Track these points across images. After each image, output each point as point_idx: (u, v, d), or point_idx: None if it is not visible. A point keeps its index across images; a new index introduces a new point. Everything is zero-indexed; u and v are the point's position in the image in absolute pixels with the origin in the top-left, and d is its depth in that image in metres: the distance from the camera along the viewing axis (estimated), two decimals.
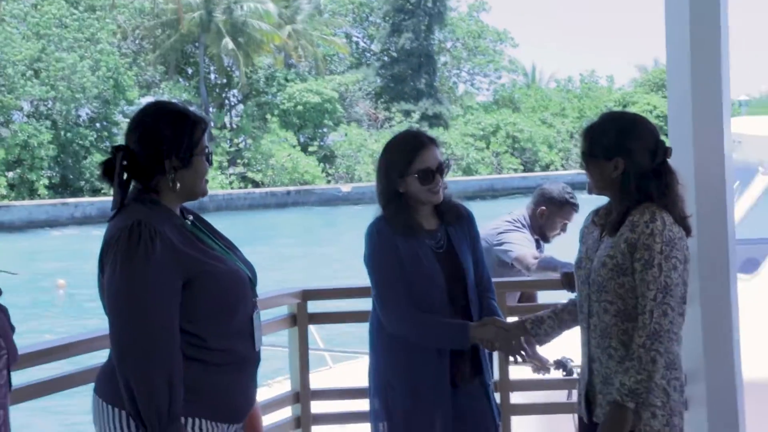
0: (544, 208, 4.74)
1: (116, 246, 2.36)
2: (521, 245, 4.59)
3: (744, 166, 7.29)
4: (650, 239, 2.73)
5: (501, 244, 4.62)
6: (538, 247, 4.75)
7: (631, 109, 45.31)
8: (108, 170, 2.46)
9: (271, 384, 5.10)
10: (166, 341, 2.34)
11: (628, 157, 2.81)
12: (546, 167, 42.96)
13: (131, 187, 2.50)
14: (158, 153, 2.44)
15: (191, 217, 2.58)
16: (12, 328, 2.05)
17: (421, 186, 3.08)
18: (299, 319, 4.01)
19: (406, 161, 3.07)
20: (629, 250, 2.75)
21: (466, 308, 3.14)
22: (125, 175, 2.46)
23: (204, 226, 2.61)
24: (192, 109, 2.61)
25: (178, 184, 2.46)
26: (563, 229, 4.76)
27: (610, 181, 2.84)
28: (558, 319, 3.09)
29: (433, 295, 3.08)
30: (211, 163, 2.56)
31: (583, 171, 2.94)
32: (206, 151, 2.52)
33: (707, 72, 3.87)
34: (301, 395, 3.94)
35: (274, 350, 4.62)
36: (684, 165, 3.93)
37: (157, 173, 2.46)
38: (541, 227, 4.76)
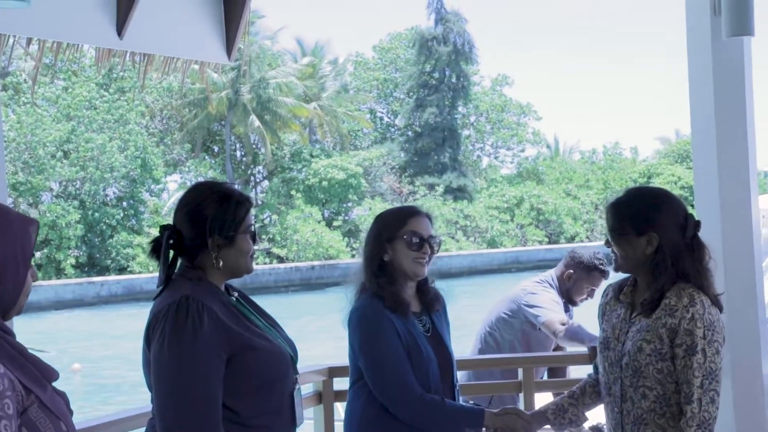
0: (572, 271, 4.70)
1: (164, 321, 2.40)
2: (550, 309, 4.54)
3: None
4: (691, 324, 2.67)
5: (531, 306, 4.58)
6: (567, 310, 4.70)
7: (656, 181, 45.57)
8: (156, 248, 2.54)
9: None
10: (212, 418, 2.36)
11: (661, 231, 2.75)
12: (571, 239, 42.77)
13: (178, 264, 2.55)
14: (202, 231, 2.50)
15: (236, 294, 2.62)
16: (70, 412, 2.05)
17: (408, 251, 3.01)
18: (325, 397, 3.99)
19: (398, 225, 3.05)
20: (669, 335, 2.69)
21: (454, 393, 3.07)
22: (171, 253, 2.53)
23: (248, 303, 2.64)
24: (235, 187, 2.66)
25: (221, 262, 2.51)
26: (590, 294, 4.72)
27: (643, 258, 2.77)
28: (580, 404, 3.03)
29: (428, 375, 2.98)
30: (255, 242, 2.60)
31: (609, 247, 2.87)
32: (251, 229, 2.57)
33: (733, 143, 3.86)
34: None
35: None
36: (712, 239, 3.90)
37: (201, 251, 2.52)
38: (568, 290, 4.72)
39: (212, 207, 2.52)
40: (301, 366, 4.26)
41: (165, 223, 2.58)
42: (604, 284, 4.65)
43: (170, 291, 2.48)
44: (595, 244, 43.37)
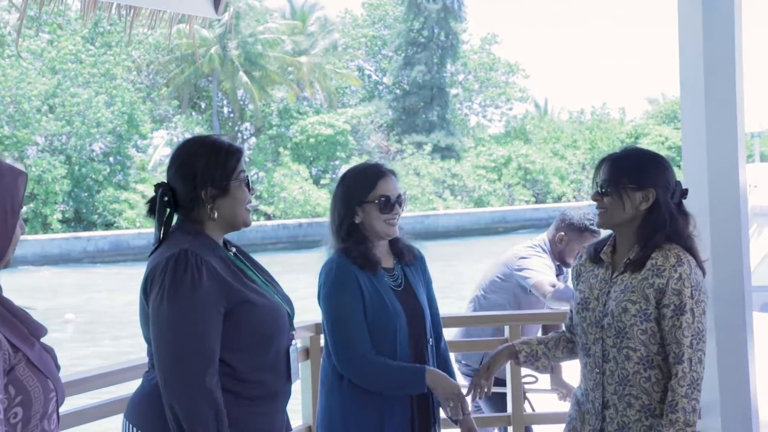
0: (563, 233, 4.72)
1: (163, 274, 2.39)
2: (540, 272, 4.57)
3: (762, 212, 7.29)
4: (679, 284, 2.66)
5: (521, 270, 4.61)
6: (560, 273, 4.74)
7: (643, 141, 45.60)
8: (152, 208, 2.53)
9: None
10: (212, 370, 2.37)
11: (659, 189, 2.74)
12: (558, 199, 42.91)
13: (175, 220, 2.56)
14: (195, 184, 2.50)
15: (234, 249, 2.62)
16: (58, 368, 2.03)
17: (379, 214, 3.01)
18: (312, 353, 4.01)
19: (368, 188, 3.03)
20: (656, 296, 2.68)
21: (425, 347, 3.06)
22: (168, 211, 2.53)
23: (246, 259, 2.63)
24: (224, 137, 2.64)
25: (216, 213, 2.51)
26: None
27: (634, 214, 2.75)
28: (552, 356, 3.00)
29: (396, 333, 2.98)
30: (251, 190, 2.59)
31: (598, 199, 2.81)
32: (244, 178, 2.56)
33: (722, 104, 3.87)
34: (314, 429, 3.92)
35: None
36: (700, 201, 3.91)
37: (196, 205, 2.52)
38: (561, 253, 4.74)
39: (202, 159, 2.52)
40: None
41: (158, 181, 2.58)
42: None
43: (168, 245, 2.47)
44: (582, 204, 43.52)
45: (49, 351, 2.00)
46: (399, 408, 2.96)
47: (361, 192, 3.03)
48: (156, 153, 37.29)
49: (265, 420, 2.52)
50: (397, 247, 3.13)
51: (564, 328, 3.08)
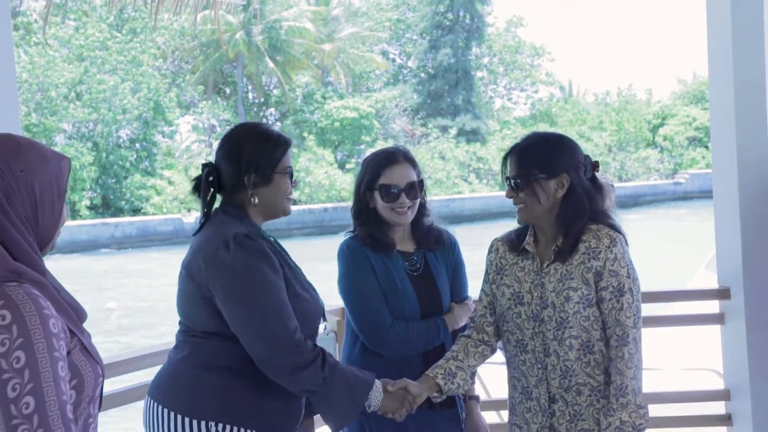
0: None
1: (228, 254, 2.43)
2: None
3: None
4: (616, 265, 2.60)
5: None
6: None
7: (671, 122, 45.15)
8: (197, 186, 2.60)
9: None
10: (294, 325, 2.45)
11: (571, 173, 2.66)
12: None
13: (217, 202, 2.61)
14: (240, 169, 2.54)
15: (272, 238, 2.64)
16: None
17: (384, 203, 3.02)
18: (339, 336, 4.02)
19: (374, 176, 3.04)
20: (595, 279, 2.61)
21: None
22: (211, 191, 2.58)
23: (280, 248, 2.65)
24: (276, 128, 2.68)
25: (256, 200, 2.55)
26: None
27: (552, 202, 2.66)
28: (467, 367, 2.82)
29: (405, 315, 2.99)
30: (294, 184, 2.63)
31: (512, 196, 2.70)
32: (288, 170, 2.61)
33: (751, 85, 3.83)
34: None
35: None
36: (729, 182, 3.88)
37: (239, 189, 2.56)
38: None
39: (251, 145, 2.56)
40: None
41: (208, 162, 2.63)
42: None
43: (216, 228, 2.51)
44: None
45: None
46: (412, 369, 2.96)
47: (369, 179, 3.05)
48: (183, 141, 37.45)
49: (286, 407, 2.57)
50: (420, 233, 3.11)
51: (468, 331, 2.90)
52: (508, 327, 2.75)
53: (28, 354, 1.68)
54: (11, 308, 1.70)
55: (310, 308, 2.56)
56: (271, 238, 2.63)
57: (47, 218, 1.87)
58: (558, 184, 2.65)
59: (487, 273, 2.85)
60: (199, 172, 2.62)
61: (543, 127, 43.95)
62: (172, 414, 2.47)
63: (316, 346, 2.50)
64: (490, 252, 2.85)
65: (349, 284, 3.01)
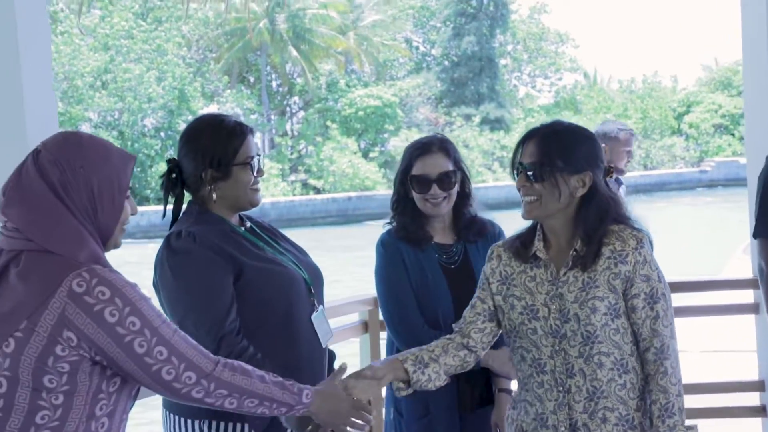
0: (604, 145, 4.85)
1: (160, 255, 2.44)
2: None
3: None
4: (646, 268, 2.33)
5: None
6: (620, 184, 4.85)
7: (696, 109, 44.80)
8: (163, 183, 2.55)
9: None
10: (231, 317, 2.38)
11: (594, 171, 2.37)
12: None
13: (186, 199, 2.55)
14: (196, 164, 2.47)
15: (249, 224, 2.58)
16: None
17: (417, 194, 2.96)
18: (371, 326, 4.03)
19: (407, 166, 2.99)
20: (623, 285, 2.32)
21: None
22: (178, 187, 2.52)
23: (265, 231, 2.60)
24: (234, 118, 2.57)
25: (214, 195, 2.47)
26: (629, 155, 4.90)
27: (569, 201, 2.36)
28: (441, 364, 2.44)
29: (437, 311, 2.92)
30: (258, 173, 2.51)
31: (523, 185, 2.38)
32: (249, 161, 2.49)
33: None
34: (373, 402, 3.95)
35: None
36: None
37: (200, 185, 2.49)
38: (610, 163, 4.85)
39: (206, 138, 2.47)
40: (347, 296, 4.35)
41: (171, 157, 2.56)
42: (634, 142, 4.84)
43: (176, 225, 2.49)
44: (633, 174, 43.00)
45: None
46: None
47: (403, 169, 3.01)
48: None
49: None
50: (461, 224, 3.04)
51: (454, 331, 2.55)
52: (523, 344, 2.42)
53: (140, 318, 1.86)
54: (107, 284, 1.84)
55: (272, 276, 2.44)
56: (246, 225, 2.56)
57: (107, 212, 1.94)
58: (579, 181, 2.35)
59: (486, 281, 2.49)
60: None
61: (567, 115, 43.70)
62: (169, 414, 2.47)
63: (247, 347, 2.35)
64: (490, 259, 2.50)
65: (379, 280, 3.00)
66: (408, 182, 2.98)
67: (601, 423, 2.34)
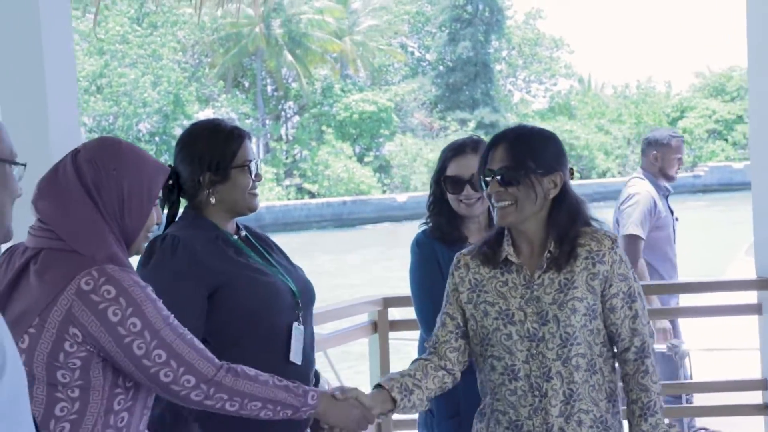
0: (655, 152, 4.91)
1: (140, 260, 2.39)
2: (634, 224, 4.70)
3: None
4: (623, 267, 2.33)
5: (621, 216, 4.77)
6: (669, 193, 4.91)
7: (690, 114, 44.92)
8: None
9: None
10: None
11: (564, 171, 2.38)
12: (603, 174, 42.55)
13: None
14: (194, 168, 2.47)
15: (243, 233, 2.56)
16: None
17: (451, 195, 2.98)
18: (380, 326, 4.07)
19: (442, 167, 3.02)
20: (601, 285, 2.31)
21: None
22: (175, 194, 2.51)
23: (259, 242, 2.57)
24: (230, 121, 2.57)
25: (212, 199, 2.46)
26: (680, 162, 4.96)
27: (542, 203, 2.34)
28: (424, 388, 2.37)
29: None
30: (256, 177, 2.50)
31: (496, 193, 2.33)
32: (247, 164, 2.48)
33: None
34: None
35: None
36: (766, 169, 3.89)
37: (198, 190, 2.48)
38: (661, 170, 4.91)
39: (203, 142, 2.47)
40: (356, 297, 4.38)
41: (168, 164, 2.49)
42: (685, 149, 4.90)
43: (168, 229, 2.48)
44: (627, 179, 42.87)
45: None
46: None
47: (438, 170, 3.03)
48: None
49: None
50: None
51: (427, 352, 2.49)
52: (494, 352, 2.37)
53: (142, 319, 1.90)
54: (113, 283, 1.87)
55: (255, 288, 2.39)
56: (241, 233, 2.53)
57: (134, 217, 2.00)
58: (551, 182, 2.34)
59: (454, 292, 2.44)
60: None
61: (562, 120, 43.83)
62: None
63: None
64: (457, 268, 2.45)
65: (413, 279, 3.03)
66: (442, 183, 3.00)
67: (577, 426, 2.32)
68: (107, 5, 35.01)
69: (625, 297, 2.32)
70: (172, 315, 1.98)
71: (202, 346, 2.00)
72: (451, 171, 2.98)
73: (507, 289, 2.36)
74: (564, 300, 2.29)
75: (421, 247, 3.01)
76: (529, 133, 2.38)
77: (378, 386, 2.36)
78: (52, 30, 3.01)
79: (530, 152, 2.32)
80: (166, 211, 2.53)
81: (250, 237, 2.56)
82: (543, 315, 2.31)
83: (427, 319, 2.97)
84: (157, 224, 2.08)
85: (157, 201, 2.07)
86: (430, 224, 3.04)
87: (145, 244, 2.10)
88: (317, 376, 2.63)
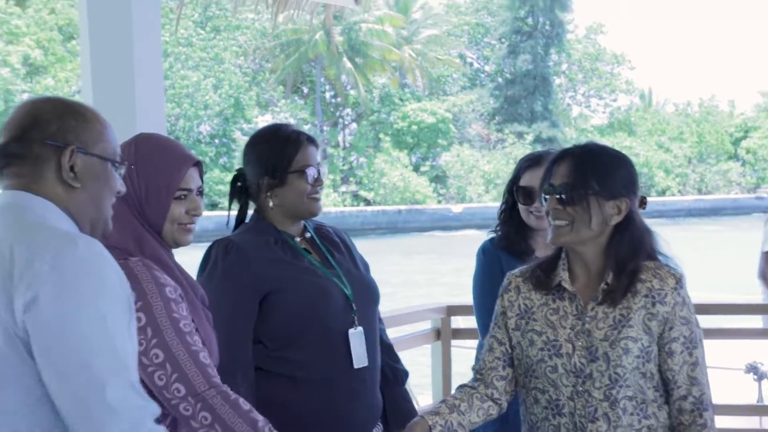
0: None
1: (202, 260, 2.48)
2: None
3: None
4: (686, 311, 2.17)
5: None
6: None
7: (754, 135, 44.11)
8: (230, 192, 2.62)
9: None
10: (233, 351, 2.33)
11: (632, 199, 2.20)
12: (662, 193, 42.01)
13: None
14: (255, 173, 2.51)
15: (308, 234, 2.58)
16: None
17: (522, 206, 2.96)
18: (443, 334, 4.10)
19: (516, 177, 3.01)
20: (660, 328, 2.16)
21: None
22: (244, 196, 2.57)
23: (324, 242, 2.58)
24: (295, 127, 2.60)
25: (271, 203, 2.49)
26: None
27: (602, 229, 2.18)
28: (467, 423, 2.25)
29: None
30: (316, 182, 2.50)
31: (553, 211, 2.19)
32: (306, 169, 2.48)
33: None
34: None
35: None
36: None
37: (260, 193, 2.51)
38: None
39: (263, 147, 2.51)
40: (419, 304, 4.42)
41: (239, 168, 2.60)
42: None
43: (234, 233, 2.54)
44: (687, 198, 42.50)
45: (208, 318, 2.15)
46: None
47: (511, 180, 3.03)
48: None
49: (320, 405, 2.41)
50: None
51: (473, 378, 2.36)
52: (538, 384, 2.23)
53: (147, 315, 1.92)
54: (131, 278, 1.83)
55: (309, 291, 2.41)
56: (306, 235, 2.56)
57: (153, 210, 2.06)
58: (615, 208, 2.17)
59: (503, 316, 2.31)
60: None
61: (621, 137, 43.35)
62: None
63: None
64: (507, 291, 2.31)
65: (474, 286, 3.03)
66: (515, 193, 3.00)
67: None
68: (172, 9, 35.62)
69: (686, 342, 2.17)
70: (193, 323, 1.97)
71: (207, 361, 1.97)
72: (524, 181, 2.97)
73: (557, 317, 2.21)
74: (617, 338, 2.14)
75: (486, 255, 3.00)
76: (599, 152, 2.23)
77: (422, 420, 2.20)
78: (143, 38, 3.12)
79: (595, 172, 2.16)
80: (233, 212, 2.58)
81: (315, 237, 2.58)
82: (592, 351, 2.16)
83: (486, 328, 2.99)
84: (194, 215, 2.10)
85: (191, 192, 2.09)
86: (499, 233, 3.04)
87: (189, 237, 2.12)
88: (405, 374, 2.64)
